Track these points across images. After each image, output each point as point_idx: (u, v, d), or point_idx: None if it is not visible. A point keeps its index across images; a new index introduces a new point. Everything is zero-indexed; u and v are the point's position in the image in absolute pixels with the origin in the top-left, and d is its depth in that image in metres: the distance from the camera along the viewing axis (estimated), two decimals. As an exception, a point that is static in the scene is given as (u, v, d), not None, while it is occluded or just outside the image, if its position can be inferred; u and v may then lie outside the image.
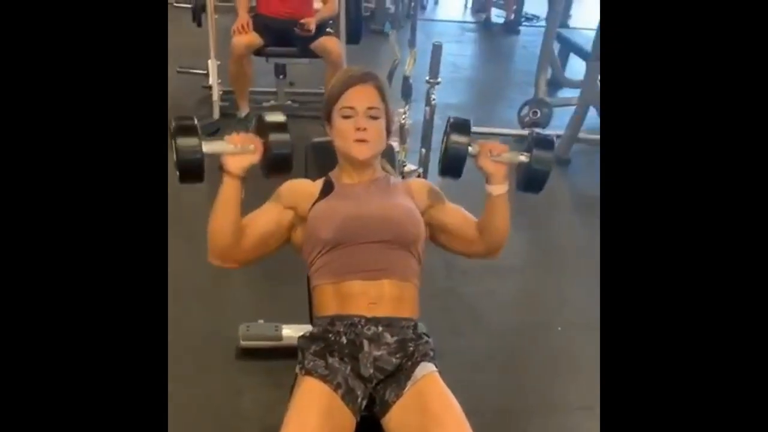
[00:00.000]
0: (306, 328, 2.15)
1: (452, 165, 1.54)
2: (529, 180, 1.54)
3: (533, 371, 2.27)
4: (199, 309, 2.35)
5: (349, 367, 1.42)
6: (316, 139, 1.83)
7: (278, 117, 1.47)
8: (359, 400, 1.40)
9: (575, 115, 3.87)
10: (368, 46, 4.79)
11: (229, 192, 1.42)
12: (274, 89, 4.13)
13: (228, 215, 1.44)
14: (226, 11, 4.33)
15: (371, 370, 1.43)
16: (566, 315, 2.58)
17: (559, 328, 2.49)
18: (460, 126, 1.55)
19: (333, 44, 3.73)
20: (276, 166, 1.45)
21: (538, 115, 4.29)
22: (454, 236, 1.63)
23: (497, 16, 7.59)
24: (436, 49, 2.95)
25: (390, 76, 3.12)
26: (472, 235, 1.59)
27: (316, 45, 3.74)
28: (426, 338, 1.51)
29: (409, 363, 1.44)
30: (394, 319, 1.48)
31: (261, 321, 2.22)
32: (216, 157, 1.40)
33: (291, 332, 2.17)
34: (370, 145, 1.57)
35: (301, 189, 1.61)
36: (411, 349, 1.46)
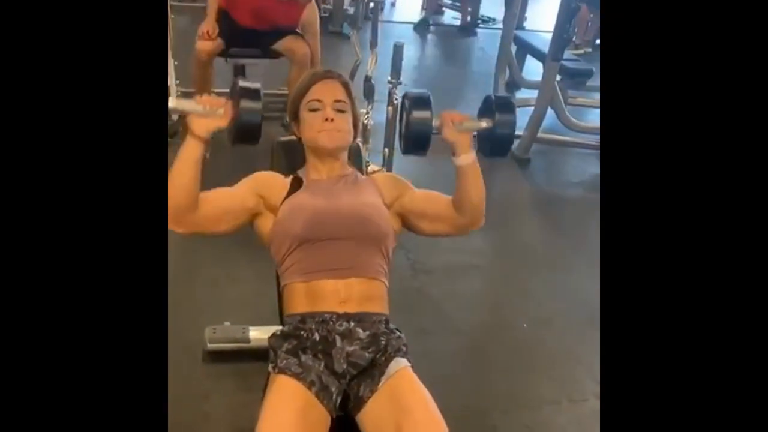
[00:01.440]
0: (274, 330, 2.14)
1: (417, 141, 1.54)
2: (495, 145, 1.55)
3: (501, 368, 2.29)
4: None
5: (322, 364, 1.41)
6: (282, 138, 1.82)
7: (253, 84, 1.47)
8: (334, 396, 1.40)
9: (534, 115, 3.92)
10: (328, 47, 4.77)
11: (190, 152, 1.41)
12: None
13: (186, 175, 1.41)
14: (182, 11, 4.28)
15: (344, 366, 1.42)
16: (531, 312, 2.61)
17: (525, 325, 2.52)
18: (420, 100, 1.56)
19: (299, 44, 3.69)
20: (243, 134, 1.44)
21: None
22: (431, 218, 1.63)
23: (453, 18, 7.66)
24: (398, 50, 2.96)
25: (351, 77, 3.12)
26: (449, 212, 1.59)
27: (280, 45, 3.70)
28: (398, 333, 1.51)
29: (383, 358, 1.44)
30: (365, 314, 1.48)
31: (227, 323, 2.20)
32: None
33: (259, 334, 2.15)
34: (338, 134, 1.59)
35: (272, 180, 1.61)
36: (383, 343, 1.46)
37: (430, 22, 7.31)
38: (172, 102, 1.35)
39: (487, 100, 1.61)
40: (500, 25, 7.01)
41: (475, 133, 1.55)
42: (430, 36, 7.20)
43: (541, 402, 2.15)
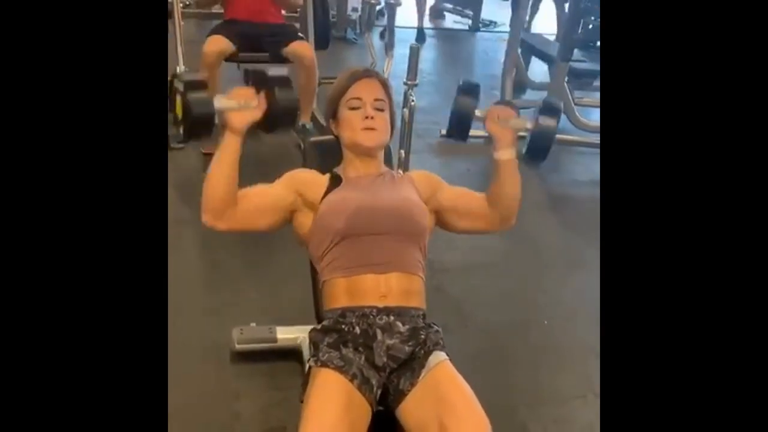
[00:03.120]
0: (300, 329, 2.17)
1: (459, 127, 1.58)
2: (534, 148, 1.60)
3: (524, 365, 2.31)
4: (188, 315, 2.32)
5: (363, 357, 1.43)
6: (314, 138, 1.84)
7: (280, 72, 1.51)
8: (374, 389, 1.42)
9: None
10: (333, 53, 4.81)
11: (230, 147, 1.46)
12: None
13: (225, 170, 1.47)
14: (190, 17, 4.30)
15: (385, 359, 1.44)
16: (550, 309, 2.63)
17: (546, 322, 2.54)
18: (469, 88, 1.60)
19: (306, 49, 3.72)
20: (282, 119, 1.48)
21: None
22: (464, 214, 1.66)
23: (455, 22, 7.71)
24: (414, 51, 2.97)
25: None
26: (483, 208, 1.63)
27: (288, 50, 3.73)
28: (436, 327, 1.54)
29: (422, 351, 1.46)
30: (405, 309, 1.50)
31: (253, 324, 2.21)
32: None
33: (286, 333, 2.17)
34: (378, 133, 1.62)
35: (310, 177, 1.64)
36: (422, 337, 1.48)
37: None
38: (217, 102, 1.39)
39: (544, 103, 1.65)
40: (501, 29, 7.11)
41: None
42: (432, 40, 7.24)
43: (566, 397, 2.17)
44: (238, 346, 2.14)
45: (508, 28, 7.02)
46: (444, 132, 4.10)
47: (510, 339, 2.43)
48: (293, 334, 2.17)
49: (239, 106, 1.44)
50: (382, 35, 6.30)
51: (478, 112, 1.58)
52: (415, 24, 6.86)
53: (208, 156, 1.54)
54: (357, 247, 1.52)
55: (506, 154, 1.55)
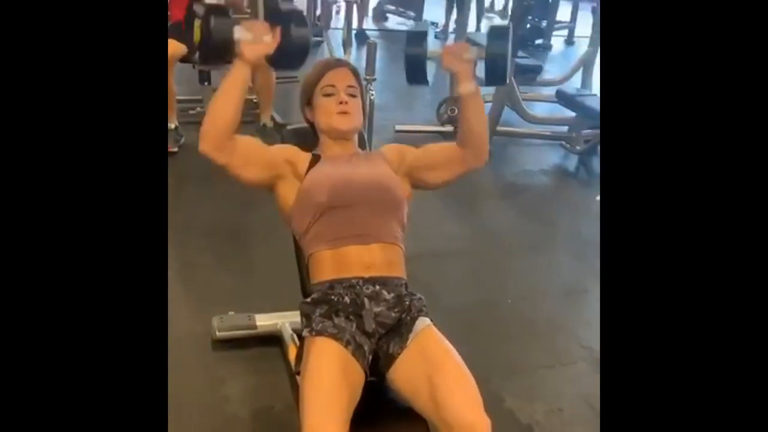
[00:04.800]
0: (278, 315, 2.23)
1: (417, 70, 1.69)
2: (492, 71, 1.66)
3: (493, 340, 2.42)
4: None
5: (354, 325, 1.51)
6: (292, 126, 1.92)
7: (294, 6, 1.56)
8: (367, 354, 1.49)
9: (493, 109, 4.10)
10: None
11: (240, 76, 1.53)
12: (199, 96, 4.12)
13: (233, 96, 1.54)
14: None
15: (374, 325, 1.52)
16: (513, 289, 2.77)
17: (509, 301, 2.67)
18: (418, 36, 1.72)
19: (261, 47, 3.75)
20: (295, 56, 1.53)
21: (456, 112, 4.50)
22: (436, 165, 1.74)
23: (397, 23, 7.84)
24: (371, 47, 3.08)
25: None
26: (453, 152, 1.71)
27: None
28: (418, 295, 1.63)
29: (408, 317, 1.55)
30: (388, 278, 1.59)
31: (232, 313, 2.26)
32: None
33: (264, 321, 2.23)
34: (352, 117, 1.71)
35: (297, 152, 1.72)
36: (407, 303, 1.57)
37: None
38: (236, 32, 1.45)
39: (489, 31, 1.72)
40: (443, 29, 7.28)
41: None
42: (377, 41, 7.34)
43: (535, 367, 2.29)
44: (219, 334, 2.18)
45: (450, 29, 7.26)
46: (399, 128, 4.24)
47: (478, 317, 2.54)
48: (272, 321, 2.23)
49: (253, 38, 1.50)
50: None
51: (430, 54, 1.66)
52: (362, 25, 6.96)
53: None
54: (339, 220, 1.60)
55: (469, 87, 1.62)
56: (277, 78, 3.95)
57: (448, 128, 4.26)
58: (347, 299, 1.54)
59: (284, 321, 2.21)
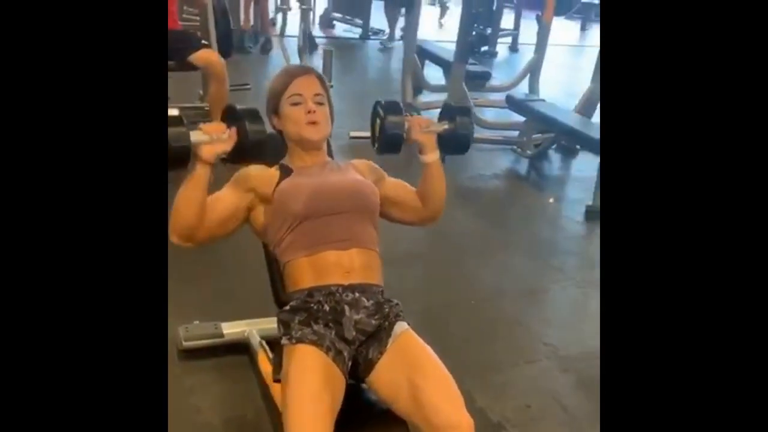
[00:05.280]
0: (245, 323, 2.21)
1: (392, 143, 1.72)
2: (456, 144, 1.76)
3: (459, 341, 2.46)
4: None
5: (334, 332, 1.52)
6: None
7: (249, 107, 1.58)
8: (346, 360, 1.50)
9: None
10: (232, 64, 4.81)
11: (201, 177, 1.51)
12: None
13: (196, 198, 1.52)
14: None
15: (354, 333, 1.53)
16: (475, 290, 2.81)
17: (472, 302, 2.71)
18: (394, 107, 1.74)
19: (214, 56, 3.72)
20: (253, 152, 1.54)
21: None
22: (401, 206, 1.79)
23: (344, 30, 7.87)
24: (327, 54, 3.11)
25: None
26: (416, 201, 1.79)
27: (195, 58, 3.71)
28: (395, 301, 1.64)
29: (386, 323, 1.57)
30: (367, 285, 1.60)
31: (197, 322, 2.23)
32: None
33: (231, 329, 2.21)
34: (321, 126, 1.71)
35: (260, 173, 1.69)
36: (387, 310, 1.59)
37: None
38: (192, 136, 1.45)
39: (446, 107, 1.83)
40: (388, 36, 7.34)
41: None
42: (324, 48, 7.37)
43: (500, 366, 2.34)
44: (185, 344, 2.15)
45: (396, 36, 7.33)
46: (353, 134, 4.25)
47: (443, 319, 2.57)
48: (239, 329, 2.21)
49: (210, 138, 1.49)
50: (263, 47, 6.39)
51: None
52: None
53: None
54: (316, 228, 1.61)
55: (433, 156, 1.72)
56: (230, 86, 3.92)
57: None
58: (327, 307, 1.55)
59: (251, 328, 2.19)
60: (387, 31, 7.62)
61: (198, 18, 4.17)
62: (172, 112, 1.50)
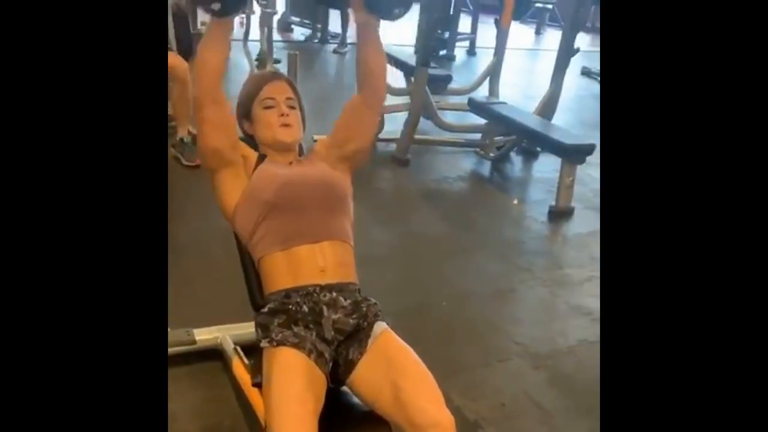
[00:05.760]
0: (218, 329, 2.18)
1: None
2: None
3: (431, 342, 2.44)
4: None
5: (314, 333, 1.52)
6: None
7: None
8: (328, 361, 1.50)
9: (410, 118, 4.18)
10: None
11: (223, 24, 1.55)
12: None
13: (220, 44, 1.58)
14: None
15: (333, 333, 1.54)
16: (446, 292, 2.83)
17: (444, 303, 2.73)
18: None
19: (177, 59, 3.67)
20: None
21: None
22: (352, 126, 1.76)
23: (302, 34, 7.84)
24: (293, 58, 3.10)
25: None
26: (356, 102, 1.74)
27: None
28: (373, 300, 1.65)
29: (365, 323, 1.57)
30: (344, 284, 1.61)
31: (168, 329, 2.20)
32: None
33: (204, 335, 2.18)
34: (294, 129, 1.73)
35: (250, 149, 1.74)
36: (364, 309, 1.59)
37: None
38: None
39: None
40: (348, 40, 7.34)
41: None
42: (283, 52, 7.31)
43: (474, 365, 2.36)
44: (158, 352, 2.11)
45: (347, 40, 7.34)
46: (316, 137, 4.23)
47: (415, 321, 2.58)
48: (212, 335, 2.18)
49: None
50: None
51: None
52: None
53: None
54: (287, 219, 1.61)
55: (362, 17, 1.64)
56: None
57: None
58: (305, 308, 1.54)
59: (224, 334, 2.16)
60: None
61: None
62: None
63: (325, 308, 1.55)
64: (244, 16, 4.27)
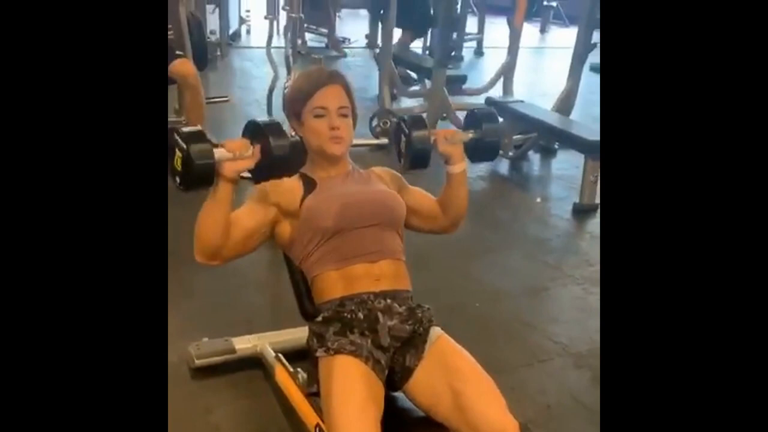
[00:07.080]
0: (256, 337, 2.16)
1: (420, 158, 1.70)
2: (484, 152, 1.74)
3: (468, 342, 2.39)
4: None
5: (369, 340, 1.49)
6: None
7: (274, 121, 1.53)
8: (385, 368, 1.48)
9: (430, 120, 4.15)
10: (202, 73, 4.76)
11: (224, 194, 1.46)
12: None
13: (220, 216, 1.48)
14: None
15: (389, 340, 1.51)
16: (478, 292, 2.80)
17: (477, 304, 2.70)
18: (418, 123, 1.72)
19: (188, 67, 3.66)
20: (277, 168, 1.50)
21: (388, 124, 4.53)
22: (423, 215, 1.77)
23: (310, 40, 7.83)
24: (318, 64, 3.07)
25: (270, 92, 3.17)
26: (438, 211, 1.75)
27: (170, 69, 3.64)
28: (427, 306, 1.63)
29: (421, 329, 1.55)
30: (398, 291, 1.59)
31: (206, 339, 2.18)
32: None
33: (243, 344, 2.16)
34: (345, 141, 1.65)
35: (282, 186, 1.63)
36: (419, 315, 1.57)
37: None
38: (216, 153, 1.41)
39: (471, 114, 1.81)
40: (356, 45, 7.35)
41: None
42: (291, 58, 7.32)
43: (514, 366, 2.33)
44: (197, 362, 2.09)
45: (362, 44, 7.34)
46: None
47: (450, 323, 2.50)
48: (251, 343, 2.16)
49: (234, 156, 1.44)
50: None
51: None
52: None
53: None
54: (346, 242, 1.58)
55: (459, 167, 1.71)
56: (207, 98, 3.86)
57: (383, 141, 4.28)
58: (361, 315, 1.52)
59: (263, 342, 2.14)
60: (353, 39, 7.62)
61: (171, 30, 4.10)
62: (195, 128, 1.46)
63: (380, 315, 1.53)
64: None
